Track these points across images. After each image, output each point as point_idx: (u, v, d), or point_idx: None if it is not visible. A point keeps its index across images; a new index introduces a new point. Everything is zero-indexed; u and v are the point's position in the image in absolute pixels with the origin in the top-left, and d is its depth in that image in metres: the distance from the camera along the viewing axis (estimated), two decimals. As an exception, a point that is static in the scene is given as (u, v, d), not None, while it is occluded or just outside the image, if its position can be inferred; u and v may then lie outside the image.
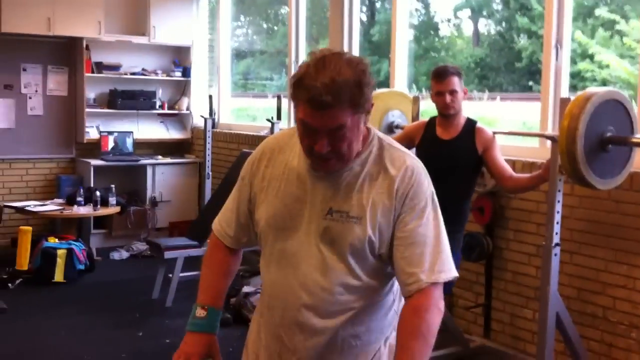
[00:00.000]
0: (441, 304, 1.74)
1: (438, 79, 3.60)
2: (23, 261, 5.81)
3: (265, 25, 10.33)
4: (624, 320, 3.72)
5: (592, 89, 3.21)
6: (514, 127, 5.71)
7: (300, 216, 1.80)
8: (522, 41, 8.09)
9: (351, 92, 1.64)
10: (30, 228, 5.95)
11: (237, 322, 4.76)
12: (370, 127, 1.84)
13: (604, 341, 3.81)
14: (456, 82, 3.60)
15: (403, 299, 1.78)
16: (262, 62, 9.66)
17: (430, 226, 1.76)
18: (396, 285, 1.88)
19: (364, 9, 10.53)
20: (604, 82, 5.93)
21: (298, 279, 1.80)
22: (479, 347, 4.40)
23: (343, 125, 1.65)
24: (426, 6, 11.44)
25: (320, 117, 1.63)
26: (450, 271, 1.76)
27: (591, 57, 8.08)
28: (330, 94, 1.61)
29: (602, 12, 9.10)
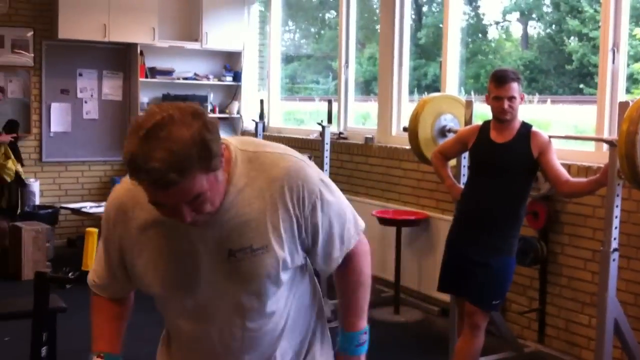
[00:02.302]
0: (365, 246, 1.78)
1: (498, 84, 3.57)
2: (89, 262, 5.97)
3: (312, 30, 10.39)
4: (684, 327, 3.66)
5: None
6: (566, 131, 5.65)
7: (196, 270, 1.62)
8: (573, 43, 7.99)
9: (197, 155, 1.40)
10: (96, 230, 6.11)
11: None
12: (228, 144, 1.59)
13: (663, 348, 3.75)
14: (515, 88, 3.57)
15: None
16: (308, 65, 9.72)
17: (332, 208, 1.68)
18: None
19: (411, 12, 10.43)
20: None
21: (221, 333, 1.68)
22: (533, 352, 4.36)
23: (200, 193, 1.44)
24: (475, 9, 11.36)
25: (173, 195, 1.41)
26: (357, 226, 1.77)
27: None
28: (173, 171, 1.37)
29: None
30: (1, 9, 6.92)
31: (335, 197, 1.71)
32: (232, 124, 7.93)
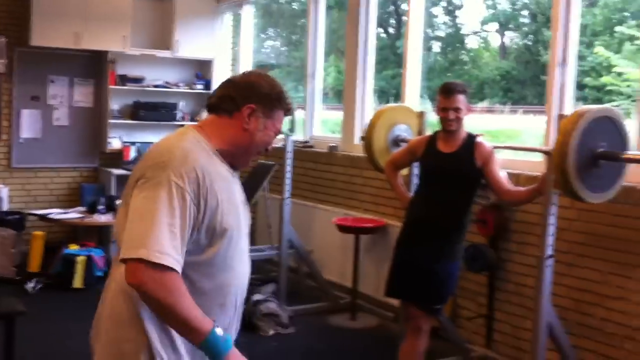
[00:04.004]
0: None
1: (445, 95, 3.71)
2: (35, 263, 6.10)
3: (293, 37, 10.47)
4: (619, 332, 3.79)
5: (587, 106, 3.31)
6: (533, 141, 5.77)
7: (240, 216, 1.96)
8: (549, 54, 8.22)
9: None
10: (43, 233, 6.24)
11: (247, 329, 4.89)
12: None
13: (599, 352, 3.89)
14: (461, 100, 3.70)
15: None
16: (289, 73, 9.81)
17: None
18: None
19: (392, 21, 10.56)
20: (629, 96, 6.01)
21: (245, 272, 2.02)
22: (480, 356, 4.48)
23: None
24: (453, 19, 11.46)
25: None
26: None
27: (617, 71, 8.10)
28: None
29: (623, 28, 9.10)
30: (-26, 15, 6.99)
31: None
32: (203, 132, 8.02)
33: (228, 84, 1.99)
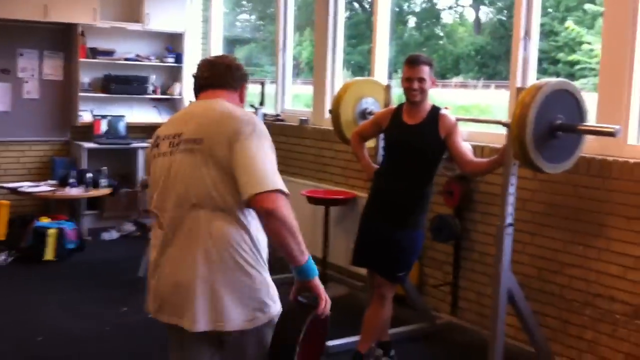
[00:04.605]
0: None
1: (409, 65, 3.76)
2: (2, 231, 6.18)
3: (268, 11, 10.44)
4: (579, 298, 3.91)
5: (545, 79, 3.38)
6: (503, 115, 5.85)
7: None
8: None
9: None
10: (8, 202, 6.29)
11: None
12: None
13: (561, 318, 4.01)
14: (426, 71, 3.76)
15: None
16: (264, 48, 9.78)
17: None
18: None
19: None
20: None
21: None
22: (446, 323, 4.60)
23: None
24: (429, -7, 11.25)
25: None
26: None
27: (589, 48, 8.18)
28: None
29: (591, 5, 9.18)
30: (-61, -12, 6.89)
31: None
32: (174, 106, 8.01)
33: (223, 66, 2.48)
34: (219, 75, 2.45)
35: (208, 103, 2.39)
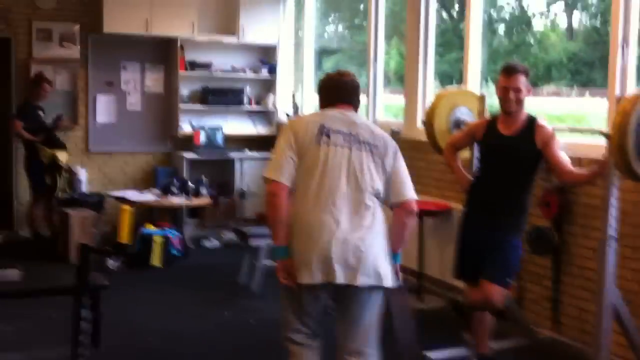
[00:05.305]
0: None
1: (506, 75, 3.75)
2: (123, 235, 6.38)
3: (356, 21, 10.53)
4: (685, 315, 3.80)
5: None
6: (600, 124, 5.71)
7: None
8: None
9: None
10: (129, 207, 6.51)
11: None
12: None
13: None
14: (522, 81, 3.74)
15: None
16: (351, 57, 9.88)
17: None
18: None
19: (456, 4, 10.50)
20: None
21: None
22: (548, 339, 4.53)
23: None
24: (518, 0, 11.27)
25: None
26: None
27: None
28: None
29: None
30: (49, 4, 7.32)
31: None
32: (268, 117, 8.21)
33: (355, 84, 3.20)
34: (352, 93, 3.16)
35: (357, 116, 3.12)
